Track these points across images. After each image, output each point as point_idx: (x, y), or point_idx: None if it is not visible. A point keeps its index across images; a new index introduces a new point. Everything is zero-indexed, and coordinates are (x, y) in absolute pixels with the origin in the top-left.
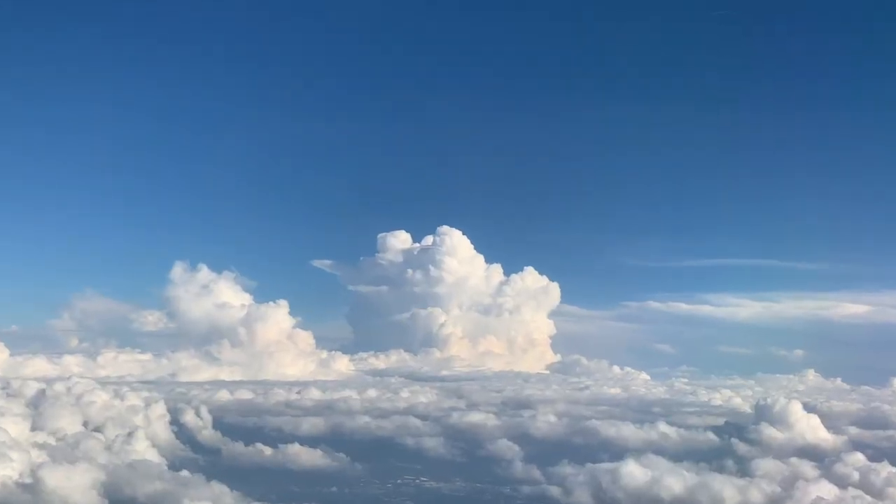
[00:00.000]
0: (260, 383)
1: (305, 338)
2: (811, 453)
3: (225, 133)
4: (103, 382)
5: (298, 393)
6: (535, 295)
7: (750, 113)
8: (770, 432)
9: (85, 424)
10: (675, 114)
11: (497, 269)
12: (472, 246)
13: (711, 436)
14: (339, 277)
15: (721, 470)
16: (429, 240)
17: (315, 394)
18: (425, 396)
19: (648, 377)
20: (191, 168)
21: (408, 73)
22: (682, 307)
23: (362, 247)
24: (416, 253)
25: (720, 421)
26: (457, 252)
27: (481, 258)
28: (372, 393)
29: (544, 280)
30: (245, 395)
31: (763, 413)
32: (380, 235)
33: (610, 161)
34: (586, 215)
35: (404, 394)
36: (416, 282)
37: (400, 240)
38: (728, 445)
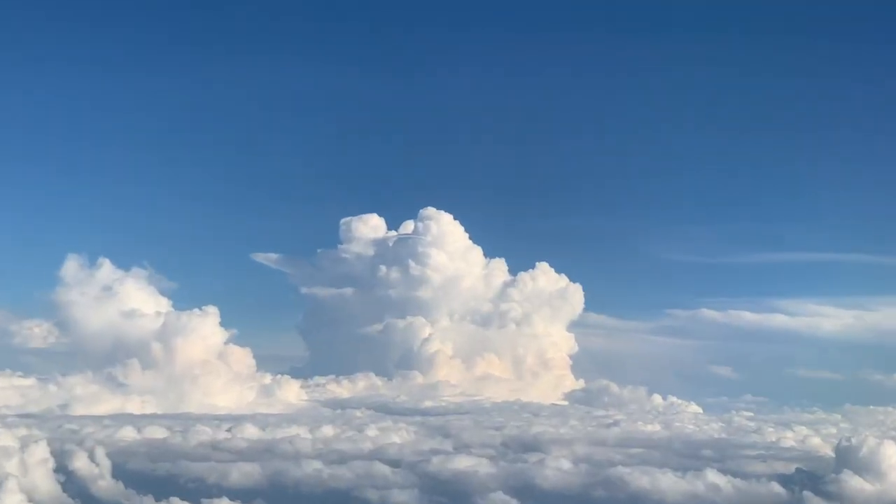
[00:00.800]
0: (178, 418)
1: (242, 357)
2: None
3: (132, 97)
4: None
5: (229, 431)
6: (550, 300)
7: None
8: (855, 483)
9: None
10: (735, 74)
11: (500, 265)
12: (466, 234)
13: (777, 487)
14: (289, 276)
15: None
16: (408, 226)
17: (251, 432)
18: (399, 435)
19: (700, 409)
20: (89, 141)
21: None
22: (747, 317)
23: (319, 236)
24: (391, 244)
25: (790, 468)
26: (446, 242)
27: (479, 251)
28: (328, 431)
29: (563, 280)
30: (158, 433)
31: (847, 457)
32: (343, 221)
33: (651, 126)
34: (619, 195)
35: (371, 431)
36: (392, 282)
37: (370, 226)
38: (799, 501)
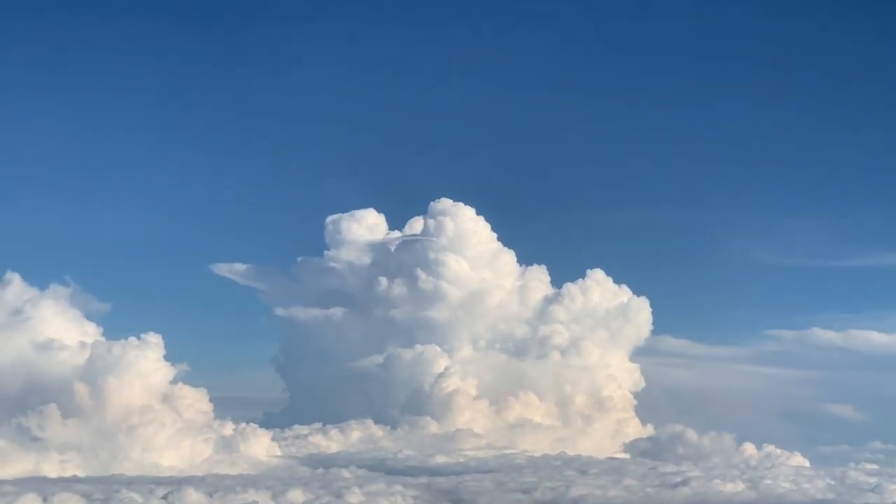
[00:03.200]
0: (107, 482)
1: (195, 400)
2: None
3: (64, 74)
4: None
5: (164, 498)
6: (607, 320)
7: None
8: None
9: None
10: None
11: (539, 274)
12: (493, 234)
13: None
14: (260, 293)
15: None
16: (416, 224)
17: (193, 499)
18: (391, 502)
19: (805, 462)
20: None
21: None
22: (875, 339)
23: (300, 240)
24: (394, 248)
25: None
26: (467, 245)
27: (511, 256)
28: (296, 496)
29: (624, 293)
30: (70, 502)
31: None
32: (329, 220)
33: (738, 92)
34: (697, 180)
35: (354, 497)
36: (395, 300)
37: (365, 225)
38: None
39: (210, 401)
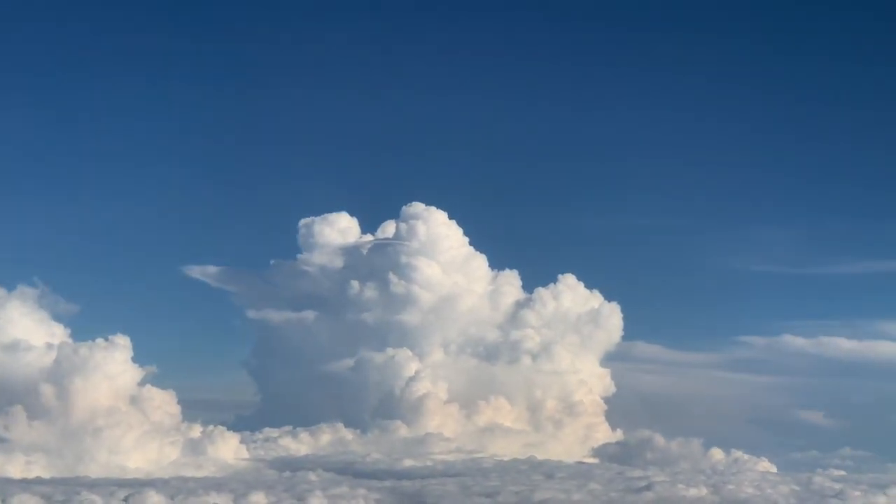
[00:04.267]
0: (70, 483)
1: (163, 402)
2: None
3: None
4: None
5: (125, 500)
6: (578, 325)
7: None
8: None
9: None
10: None
11: (511, 279)
12: (465, 239)
13: None
14: (232, 296)
15: None
16: (389, 228)
17: (154, 501)
18: None
19: (773, 467)
20: None
21: None
22: (844, 345)
23: (273, 243)
24: (366, 252)
25: None
26: (439, 249)
27: (482, 260)
28: (258, 500)
29: (595, 298)
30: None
31: None
32: (302, 223)
33: (710, 93)
34: (669, 186)
35: (316, 500)
36: (367, 303)
37: (338, 229)
38: None
39: (179, 403)
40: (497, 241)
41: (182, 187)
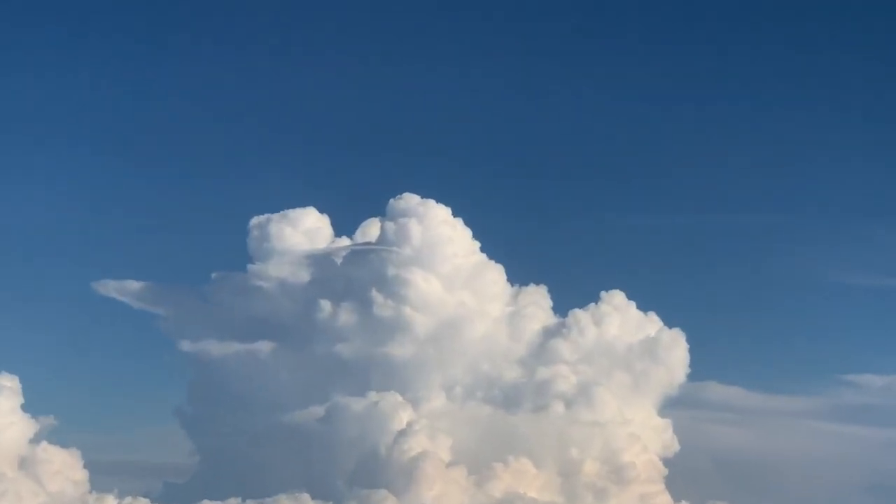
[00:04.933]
0: None
1: (65, 465)
2: None
3: None
4: None
5: None
6: (628, 359)
7: None
8: None
9: None
10: None
11: (536, 296)
12: (475, 242)
13: None
14: (160, 321)
15: None
16: (371, 228)
17: None
18: None
19: None
20: None
21: None
22: None
23: (214, 250)
24: (340, 260)
25: None
26: (440, 257)
27: (498, 271)
28: None
29: (651, 323)
30: None
31: None
32: (254, 222)
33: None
34: (738, 176)
35: None
36: (343, 330)
37: (302, 230)
38: None
39: (86, 467)
40: (519, 246)
41: (92, 179)
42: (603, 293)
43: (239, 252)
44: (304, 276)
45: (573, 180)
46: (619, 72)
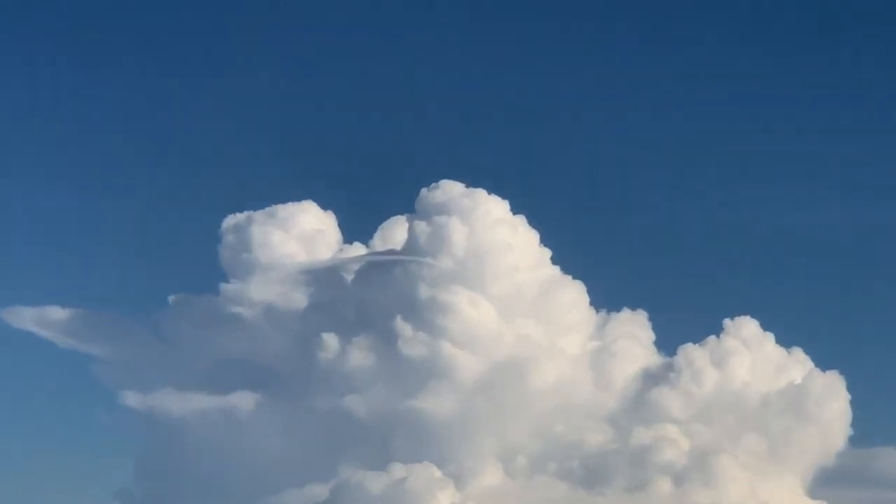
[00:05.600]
0: None
1: None
2: None
3: None
4: None
5: None
6: (765, 415)
7: None
8: None
9: None
10: None
11: (633, 325)
12: (543, 251)
13: None
14: (96, 364)
15: None
16: (394, 230)
17: None
18: None
19: None
20: None
21: None
22: None
23: (172, 263)
24: (352, 276)
25: None
26: (494, 270)
27: (578, 292)
28: None
29: (798, 362)
30: None
31: None
32: (228, 223)
33: None
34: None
35: None
36: (356, 375)
37: (298, 233)
38: None
39: None
40: (605, 256)
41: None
42: (727, 321)
43: (207, 266)
44: (300, 299)
45: (679, 167)
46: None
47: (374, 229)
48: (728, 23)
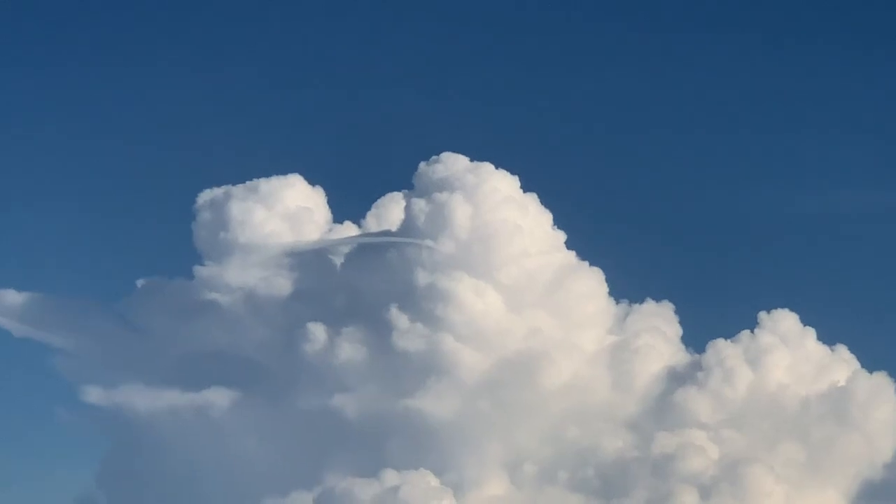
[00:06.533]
0: None
1: None
2: None
3: None
4: None
5: None
6: (803, 421)
7: None
8: None
9: None
10: None
11: (656, 318)
12: (557, 234)
13: None
14: (56, 356)
15: None
16: (389, 208)
17: None
18: None
19: None
20: None
21: None
22: None
23: (142, 243)
24: (341, 260)
25: None
26: (502, 254)
27: (595, 279)
28: None
29: (840, 362)
30: None
31: None
32: (203, 199)
33: None
34: None
35: None
36: (345, 371)
37: (282, 210)
38: None
39: None
40: (625, 240)
41: None
42: (763, 315)
43: (180, 247)
44: (284, 285)
45: (712, 142)
46: None
47: (368, 207)
48: None
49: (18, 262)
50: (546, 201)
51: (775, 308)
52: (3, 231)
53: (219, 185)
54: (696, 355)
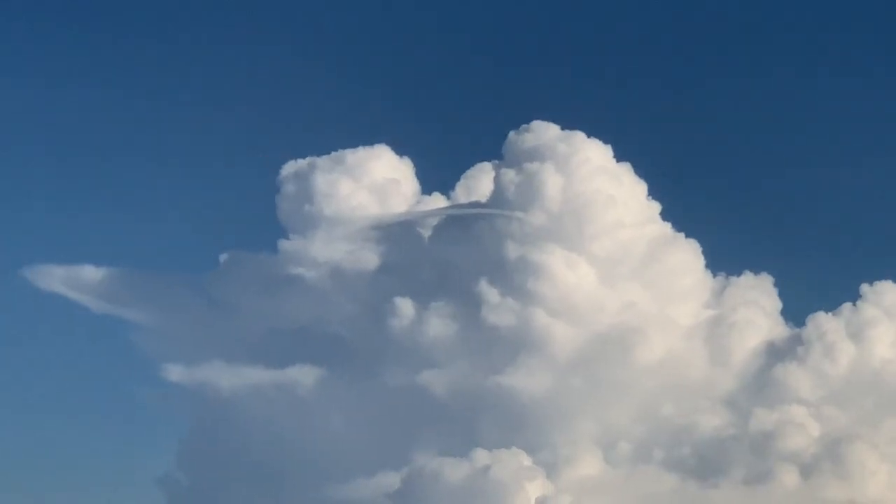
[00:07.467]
0: None
1: None
2: None
3: None
4: None
5: None
6: None
7: None
8: None
9: None
10: None
11: (754, 290)
12: (653, 204)
13: None
14: (134, 331)
15: None
16: (479, 178)
17: None
18: None
19: None
20: None
21: None
22: None
23: (223, 218)
24: (429, 233)
25: None
26: (596, 227)
27: (692, 251)
28: None
29: None
30: None
31: None
32: (288, 171)
33: None
34: None
35: None
36: (433, 347)
37: (369, 182)
38: None
39: None
40: (723, 211)
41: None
42: (864, 287)
43: (264, 220)
44: (371, 259)
45: (809, 107)
46: None
47: (457, 178)
48: None
49: (96, 237)
50: (640, 171)
51: (878, 280)
52: (79, 205)
53: (303, 156)
54: (796, 329)
